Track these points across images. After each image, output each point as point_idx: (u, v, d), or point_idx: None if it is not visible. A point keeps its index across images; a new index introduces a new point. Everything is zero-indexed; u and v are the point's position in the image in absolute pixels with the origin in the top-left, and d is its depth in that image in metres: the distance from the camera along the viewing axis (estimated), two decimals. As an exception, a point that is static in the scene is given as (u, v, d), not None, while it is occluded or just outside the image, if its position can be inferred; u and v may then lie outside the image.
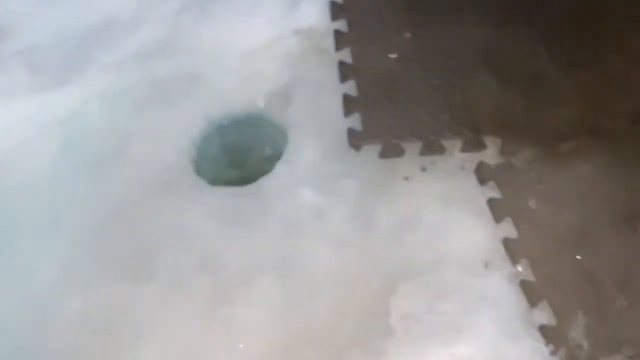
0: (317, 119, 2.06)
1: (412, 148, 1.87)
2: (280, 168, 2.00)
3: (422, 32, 2.10)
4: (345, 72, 1.93)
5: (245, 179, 2.32)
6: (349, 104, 1.92)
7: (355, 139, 1.85)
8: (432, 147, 1.82)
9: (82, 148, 2.08)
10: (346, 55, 2.08)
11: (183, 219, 1.88)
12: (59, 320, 1.67)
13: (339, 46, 2.01)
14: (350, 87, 2.02)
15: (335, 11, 2.16)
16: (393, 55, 1.98)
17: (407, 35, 2.03)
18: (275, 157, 2.26)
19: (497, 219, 1.68)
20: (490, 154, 1.86)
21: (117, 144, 2.08)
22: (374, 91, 1.94)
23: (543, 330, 1.48)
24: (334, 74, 2.11)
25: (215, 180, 2.20)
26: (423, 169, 1.88)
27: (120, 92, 2.20)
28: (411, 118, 1.90)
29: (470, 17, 2.10)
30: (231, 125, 2.25)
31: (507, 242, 1.65)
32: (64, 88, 2.19)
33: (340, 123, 2.01)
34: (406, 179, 1.89)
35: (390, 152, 1.81)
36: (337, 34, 2.08)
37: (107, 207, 1.92)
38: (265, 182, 1.97)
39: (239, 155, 2.38)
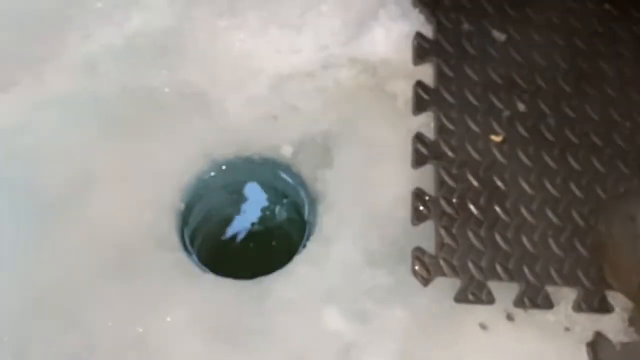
0: (365, 202, 1.60)
1: (504, 292, 1.46)
2: (299, 265, 1.54)
3: (544, 100, 1.64)
4: (421, 152, 1.43)
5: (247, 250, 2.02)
6: (419, 205, 1.50)
7: (423, 267, 1.45)
8: (533, 297, 1.44)
9: (19, 182, 1.60)
10: (426, 123, 1.63)
11: (150, 324, 1.45)
12: None
13: (418, 106, 1.60)
14: (426, 178, 1.56)
15: (421, 48, 1.70)
16: (497, 138, 1.47)
17: (521, 107, 1.43)
18: (293, 225, 1.92)
19: None
20: (615, 324, 1.45)
21: (71, 185, 1.60)
22: (461, 192, 1.51)
23: None
24: (401, 142, 1.63)
25: (204, 249, 1.85)
26: (509, 318, 1.46)
27: (89, 104, 1.70)
28: (510, 245, 1.47)
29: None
30: (239, 173, 1.77)
31: None
32: (10, 90, 1.67)
33: (401, 223, 1.54)
34: (483, 327, 1.46)
35: (472, 295, 1.42)
36: (419, 86, 1.64)
37: (39, 287, 1.48)
38: (276, 283, 1.52)
39: (245, 213, 1.98)
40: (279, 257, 1.66)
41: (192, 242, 1.79)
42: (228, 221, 1.98)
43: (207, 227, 1.91)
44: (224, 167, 1.66)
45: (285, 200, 1.92)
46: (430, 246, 1.49)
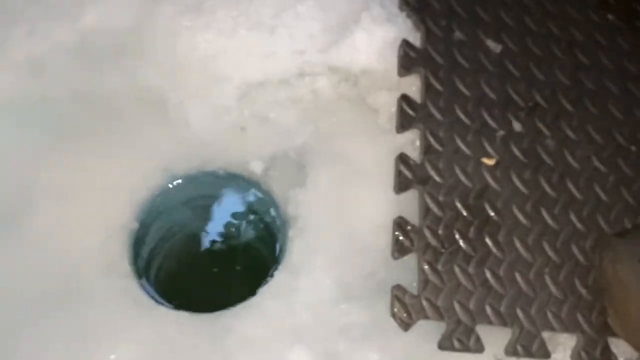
0: (341, 228, 1.43)
1: (494, 337, 1.27)
2: (264, 298, 1.37)
3: (543, 120, 1.47)
4: (405, 175, 1.36)
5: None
6: (401, 236, 1.31)
7: (403, 309, 1.25)
8: (528, 344, 1.25)
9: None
10: (411, 142, 1.45)
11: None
12: None
13: (403, 123, 1.47)
14: (409, 204, 1.37)
15: (408, 58, 1.50)
16: (489, 161, 1.33)
17: (517, 126, 1.30)
18: (262, 246, 1.78)
19: None
20: (618, 375, 1.23)
21: (9, 200, 1.44)
22: (448, 222, 1.33)
23: None
24: (383, 162, 1.45)
25: (163, 273, 1.71)
26: (498, 362, 1.38)
27: (34, 109, 1.53)
28: (502, 284, 1.29)
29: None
30: (202, 188, 1.61)
31: None
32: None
33: (381, 253, 1.36)
34: (469, 374, 1.38)
35: (458, 342, 1.22)
36: (404, 100, 1.46)
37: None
38: (237, 319, 1.35)
39: (209, 232, 1.83)
40: (247, 280, 1.54)
41: (148, 265, 1.63)
42: (190, 241, 1.81)
43: (167, 248, 1.74)
44: (176, 183, 1.50)
45: (252, 217, 1.76)
46: (412, 281, 1.31)
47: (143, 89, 1.52)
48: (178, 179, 1.53)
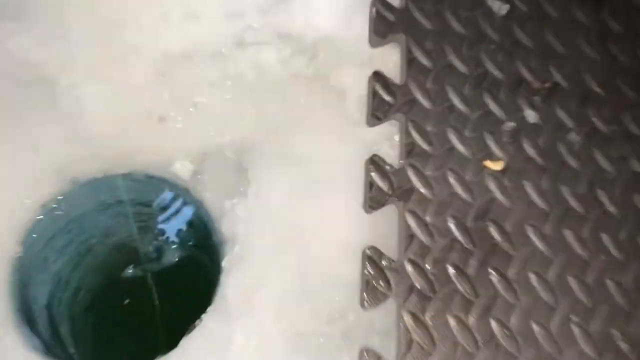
0: (294, 254, 1.14)
1: None
2: (189, 351, 1.06)
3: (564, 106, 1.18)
4: (378, 187, 1.05)
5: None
6: (372, 275, 0.99)
7: None
8: None
9: None
10: (387, 137, 1.13)
11: None
12: None
13: (376, 111, 1.11)
14: (385, 226, 1.06)
15: (383, 22, 1.21)
16: (495, 165, 1.08)
17: (531, 116, 1.13)
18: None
19: None
20: None
21: None
22: (439, 253, 1.02)
23: None
24: (351, 164, 1.17)
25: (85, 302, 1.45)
26: None
27: None
28: (515, 340, 0.97)
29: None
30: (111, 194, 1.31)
31: None
32: None
33: (349, 289, 1.07)
34: None
35: None
36: (377, 80, 1.16)
37: None
38: None
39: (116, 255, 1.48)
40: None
41: (52, 294, 1.30)
42: (113, 260, 1.49)
43: (84, 269, 1.42)
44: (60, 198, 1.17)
45: (190, 233, 1.45)
46: (389, 335, 0.98)
47: (22, 66, 1.23)
48: (76, 185, 1.20)
